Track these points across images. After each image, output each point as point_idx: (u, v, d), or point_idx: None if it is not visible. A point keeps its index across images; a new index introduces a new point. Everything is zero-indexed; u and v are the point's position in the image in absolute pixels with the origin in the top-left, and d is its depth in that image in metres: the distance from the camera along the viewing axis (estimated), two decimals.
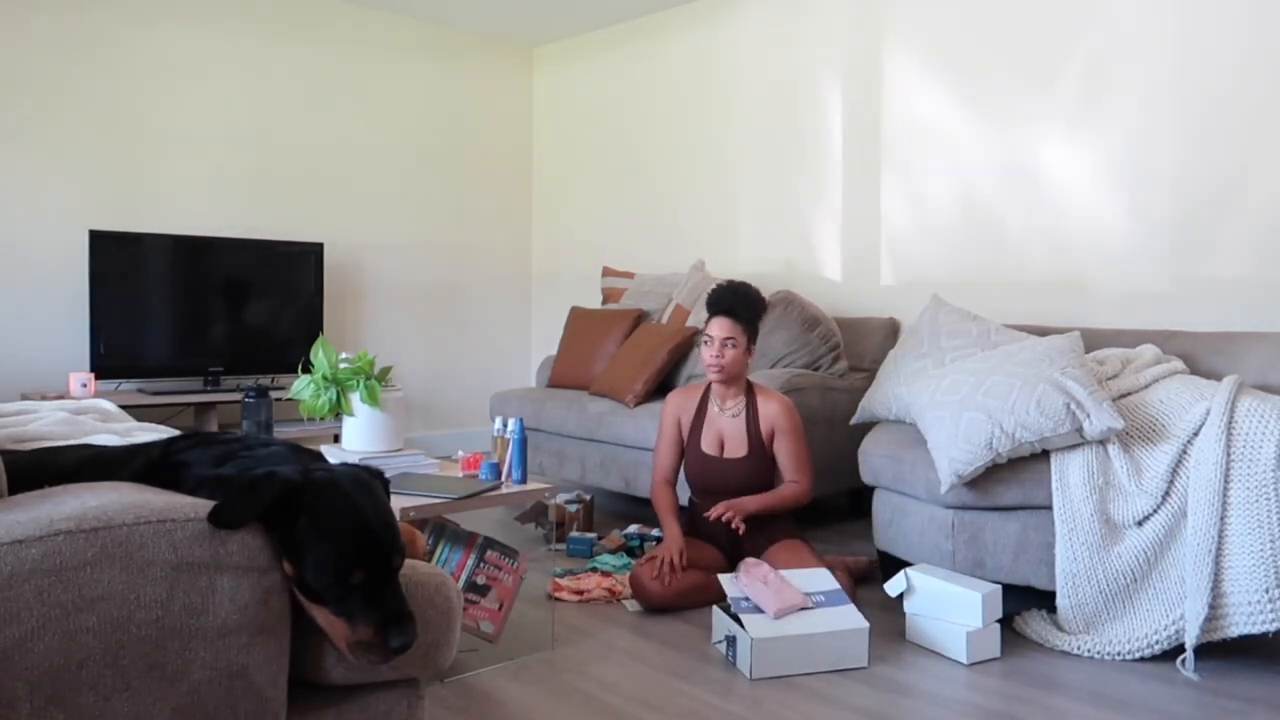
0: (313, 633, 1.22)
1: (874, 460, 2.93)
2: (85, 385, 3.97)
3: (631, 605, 2.82)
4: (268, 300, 4.62)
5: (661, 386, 3.92)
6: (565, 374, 4.38)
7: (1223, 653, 2.44)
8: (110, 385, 4.25)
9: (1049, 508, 2.53)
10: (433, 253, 5.52)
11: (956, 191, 3.95)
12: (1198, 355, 2.90)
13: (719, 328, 2.90)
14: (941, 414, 2.66)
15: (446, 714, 2.08)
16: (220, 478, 1.25)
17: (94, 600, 1.03)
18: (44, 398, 3.87)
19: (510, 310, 5.92)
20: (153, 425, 2.41)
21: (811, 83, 4.46)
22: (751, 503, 2.86)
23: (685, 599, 2.76)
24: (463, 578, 2.30)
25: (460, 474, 2.58)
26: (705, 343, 2.93)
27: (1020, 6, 3.73)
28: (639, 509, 4.08)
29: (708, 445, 2.97)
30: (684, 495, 3.12)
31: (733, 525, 2.81)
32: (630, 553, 3.36)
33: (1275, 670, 2.35)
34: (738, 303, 2.93)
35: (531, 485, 2.57)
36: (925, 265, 4.06)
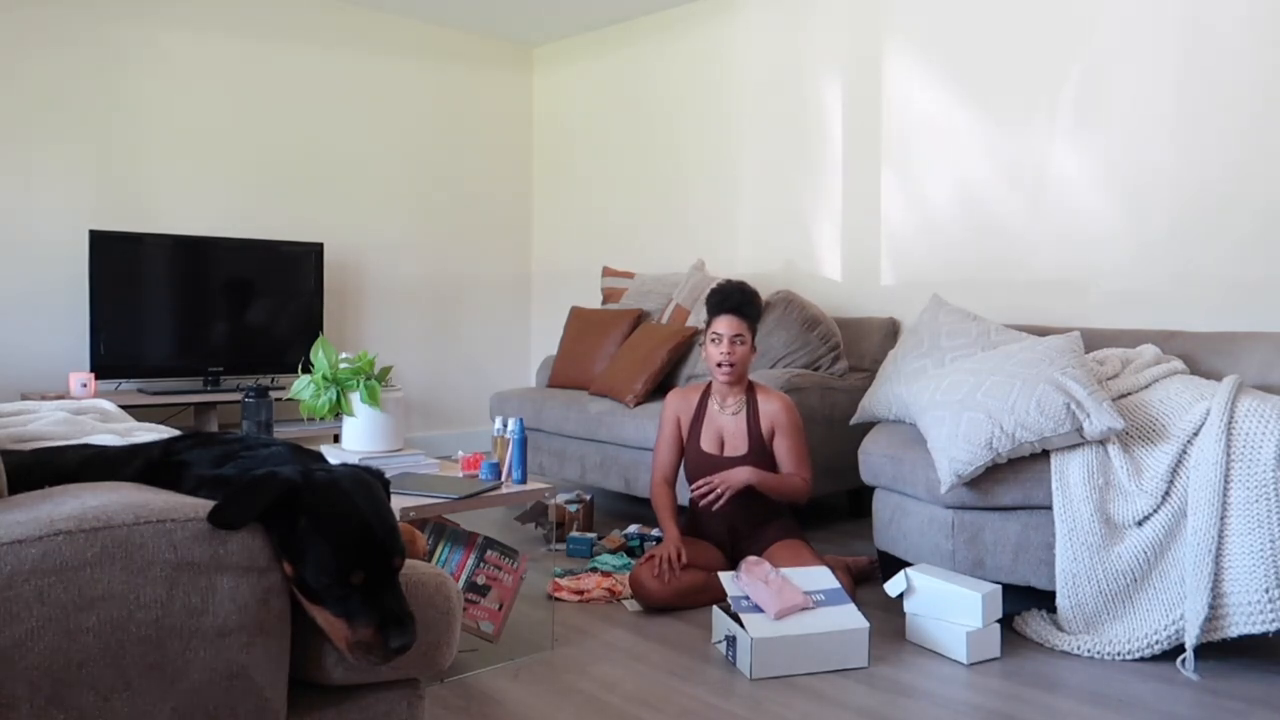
0: (313, 633, 1.22)
1: (874, 460, 2.93)
2: (85, 385, 3.97)
3: (631, 605, 2.82)
4: (268, 300, 4.62)
5: (661, 386, 3.92)
6: (565, 374, 4.38)
7: (1223, 653, 2.44)
8: (110, 385, 4.25)
9: (1049, 508, 2.53)
10: (433, 253, 5.53)
11: (957, 191, 3.95)
12: (1198, 355, 2.90)
13: (728, 325, 2.90)
14: (941, 414, 2.66)
15: (446, 714, 2.08)
16: (220, 478, 1.25)
17: (94, 600, 1.03)
18: (44, 398, 3.87)
19: (510, 310, 5.92)
20: (153, 425, 2.41)
21: (811, 83, 4.46)
22: (748, 474, 2.82)
23: (685, 598, 2.76)
24: (463, 578, 2.30)
25: (460, 474, 2.58)
26: (713, 341, 2.92)
27: (1020, 6, 3.73)
28: (639, 509, 4.08)
29: (708, 444, 2.97)
30: (684, 495, 3.12)
31: (714, 507, 2.81)
32: (630, 553, 3.36)
33: (1275, 670, 2.35)
34: (744, 300, 2.94)
35: (531, 485, 2.57)
36: (925, 265, 4.06)
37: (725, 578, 2.52)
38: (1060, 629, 2.52)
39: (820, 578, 2.54)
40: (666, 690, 2.22)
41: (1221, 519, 2.32)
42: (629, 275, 4.79)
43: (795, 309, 3.80)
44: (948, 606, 2.44)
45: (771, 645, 2.29)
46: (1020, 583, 2.57)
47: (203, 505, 1.13)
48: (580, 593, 2.87)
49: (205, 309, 4.45)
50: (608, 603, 2.86)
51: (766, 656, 2.29)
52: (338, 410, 2.47)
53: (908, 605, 2.53)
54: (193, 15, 4.60)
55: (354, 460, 2.34)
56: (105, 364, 4.16)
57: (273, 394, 3.71)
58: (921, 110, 4.05)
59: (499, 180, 5.83)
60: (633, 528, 3.50)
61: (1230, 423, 2.39)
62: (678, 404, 3.06)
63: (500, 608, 2.33)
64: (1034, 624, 2.58)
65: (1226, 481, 2.34)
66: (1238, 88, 3.21)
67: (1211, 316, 3.25)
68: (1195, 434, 2.44)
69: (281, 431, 4.08)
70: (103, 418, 2.44)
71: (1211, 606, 2.30)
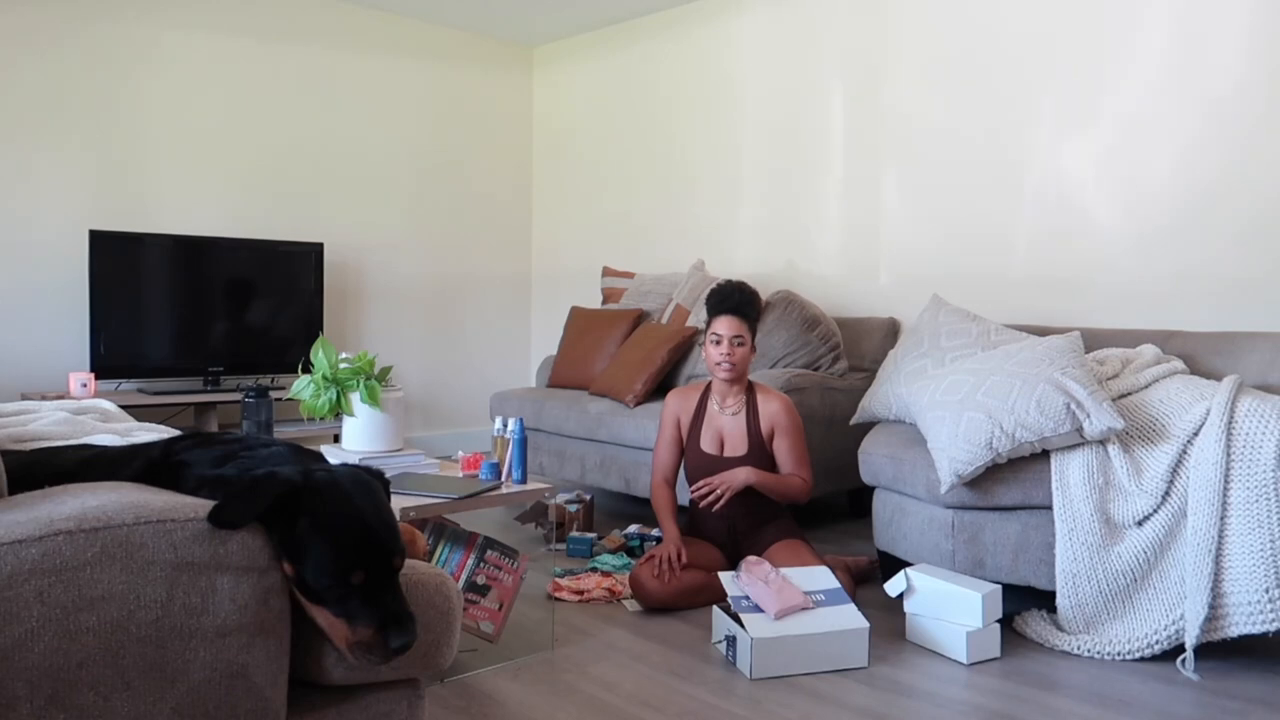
0: (313, 633, 1.22)
1: (874, 460, 2.93)
2: (85, 385, 3.97)
3: (631, 605, 2.82)
4: (268, 300, 4.62)
5: (661, 386, 3.91)
6: (565, 374, 4.38)
7: (1223, 653, 2.44)
8: (110, 385, 4.25)
9: (1049, 508, 2.53)
10: (433, 253, 5.53)
11: (956, 191, 3.95)
12: (1198, 355, 2.90)
13: (728, 325, 2.90)
14: (941, 414, 2.66)
15: (446, 714, 2.08)
16: (221, 478, 1.25)
17: (94, 600, 1.03)
18: (44, 398, 3.87)
19: (510, 310, 5.92)
20: (153, 425, 2.41)
21: (812, 82, 4.46)
22: (748, 474, 2.83)
23: (685, 598, 2.76)
24: (463, 578, 2.30)
25: (460, 474, 2.58)
26: (714, 341, 2.92)
27: (1019, 7, 3.73)
28: (639, 509, 4.08)
29: (708, 444, 2.97)
30: (684, 495, 3.12)
31: (715, 508, 2.82)
32: (630, 553, 3.36)
33: (1275, 670, 2.35)
34: (744, 300, 2.94)
35: (531, 485, 2.57)
36: (925, 265, 4.06)
37: (725, 578, 2.52)
38: (1060, 629, 2.52)
39: (820, 578, 2.54)
40: (666, 690, 2.22)
41: (1221, 519, 2.33)
42: (629, 275, 4.79)
43: (795, 309, 3.80)
44: (948, 606, 2.44)
45: (771, 645, 2.29)
46: (1020, 583, 2.57)
47: (203, 505, 1.13)
48: (580, 593, 2.87)
49: (205, 309, 4.45)
50: (608, 603, 2.86)
51: (766, 656, 2.29)
52: (338, 410, 2.47)
53: (908, 605, 2.53)
54: (193, 15, 4.60)
55: (354, 460, 2.34)
56: (105, 364, 4.16)
57: (273, 394, 3.71)
58: (922, 110, 4.05)
59: (499, 180, 5.83)
60: (633, 528, 3.50)
61: (1230, 423, 2.39)
62: (677, 404, 3.06)
63: (500, 608, 2.33)
64: (1034, 624, 2.58)
65: (1226, 481, 2.34)
66: (1236, 86, 3.20)
67: (1211, 316, 3.25)
68: (1195, 434, 2.44)
69: (281, 431, 4.09)
70: (103, 418, 2.44)
71: (1211, 606, 2.30)
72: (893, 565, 2.87)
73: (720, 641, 2.47)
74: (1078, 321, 3.55)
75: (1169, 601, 2.38)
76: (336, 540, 1.17)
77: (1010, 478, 2.57)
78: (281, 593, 1.17)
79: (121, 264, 4.21)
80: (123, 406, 2.93)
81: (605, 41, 5.50)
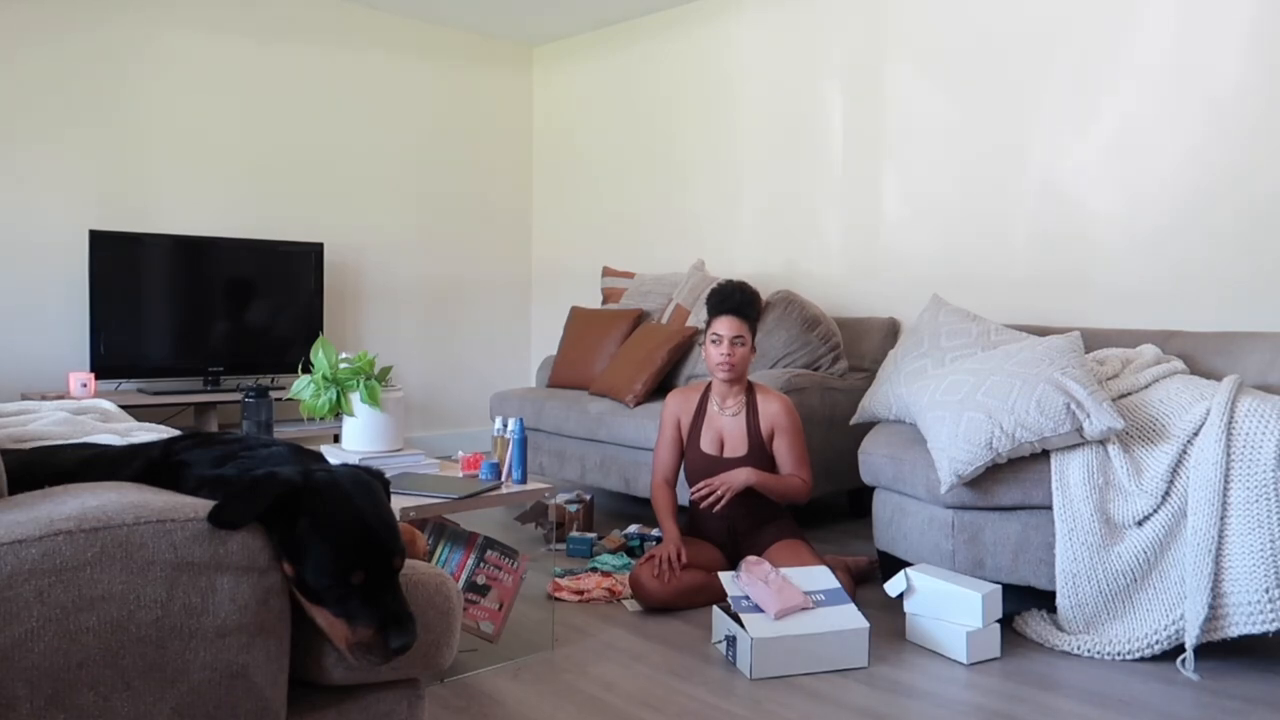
0: (313, 633, 1.22)
1: (874, 460, 2.93)
2: (85, 385, 3.97)
3: (631, 605, 2.82)
4: (268, 300, 4.62)
5: (661, 386, 3.91)
6: (565, 374, 4.38)
7: (1223, 653, 2.44)
8: (110, 385, 4.25)
9: (1049, 508, 2.53)
10: (433, 253, 5.52)
11: (956, 191, 3.95)
12: (1198, 355, 2.90)
13: (728, 326, 2.90)
14: (941, 414, 2.66)
15: (446, 714, 2.08)
16: (221, 478, 1.24)
17: (94, 600, 1.03)
18: (44, 398, 3.86)
19: (510, 310, 5.92)
20: (153, 425, 2.41)
21: (811, 82, 4.46)
22: (748, 475, 2.83)
23: (685, 598, 2.76)
24: (463, 578, 2.30)
25: (460, 474, 2.58)
26: (713, 342, 2.92)
27: (1019, 6, 3.73)
28: (639, 509, 4.08)
29: (708, 445, 2.97)
30: (684, 495, 3.12)
31: (715, 509, 2.81)
32: (630, 553, 3.36)
33: (1275, 670, 2.35)
34: (744, 301, 2.94)
35: (531, 485, 2.57)
36: (925, 265, 4.06)
37: (725, 578, 2.52)
38: (1060, 629, 2.52)
39: (820, 578, 2.54)
40: (666, 690, 2.22)
41: (1221, 519, 2.33)
42: (629, 275, 4.79)
43: (795, 309, 3.80)
44: (948, 606, 2.44)
45: (771, 645, 2.29)
46: (1020, 583, 2.57)
47: (203, 505, 1.13)
48: (580, 593, 2.87)
49: (205, 309, 4.45)
50: (608, 603, 2.86)
51: (766, 656, 2.29)
52: (338, 410, 2.47)
53: (908, 605, 2.53)
54: (193, 14, 4.60)
55: (354, 460, 2.34)
56: (105, 364, 4.16)
57: (273, 394, 3.71)
58: (922, 109, 4.05)
59: (499, 180, 5.83)
60: (633, 528, 3.50)
61: (1230, 423, 2.39)
62: (678, 404, 3.06)
63: (500, 608, 2.33)
64: (1034, 624, 2.58)
65: (1226, 481, 2.34)
66: (1237, 87, 3.20)
67: (1211, 316, 3.25)
68: (1195, 434, 2.44)
69: (281, 431, 4.09)
70: (103, 418, 2.44)
71: (1211, 606, 2.30)
72: (893, 565, 2.87)
73: (720, 641, 2.47)
74: (1078, 321, 3.55)
75: (1169, 601, 2.38)
76: (336, 540, 1.17)
77: (1010, 478, 2.57)
78: (281, 593, 1.17)
79: (121, 264, 4.21)
80: (123, 406, 2.93)
81: (605, 41, 5.50)
